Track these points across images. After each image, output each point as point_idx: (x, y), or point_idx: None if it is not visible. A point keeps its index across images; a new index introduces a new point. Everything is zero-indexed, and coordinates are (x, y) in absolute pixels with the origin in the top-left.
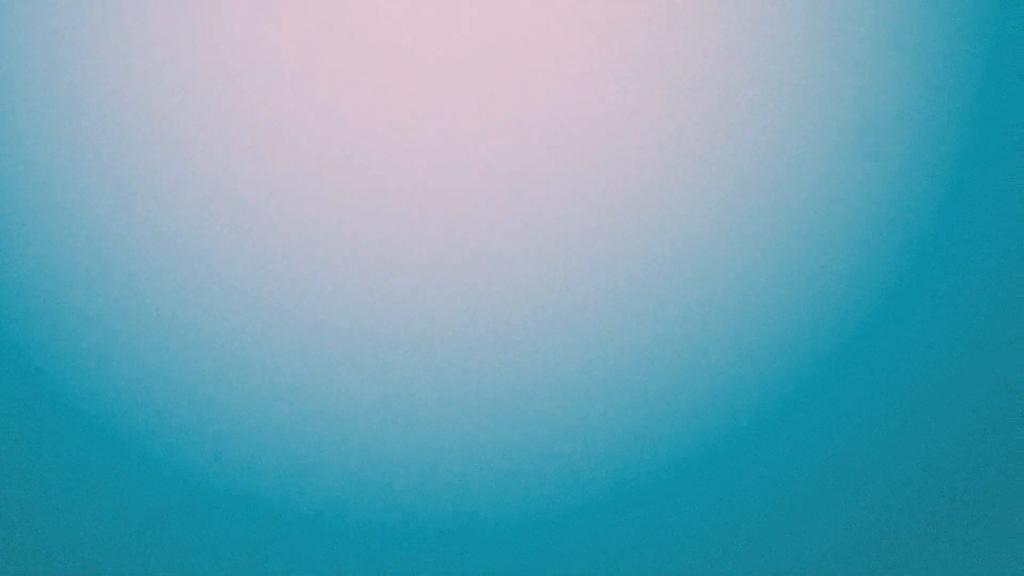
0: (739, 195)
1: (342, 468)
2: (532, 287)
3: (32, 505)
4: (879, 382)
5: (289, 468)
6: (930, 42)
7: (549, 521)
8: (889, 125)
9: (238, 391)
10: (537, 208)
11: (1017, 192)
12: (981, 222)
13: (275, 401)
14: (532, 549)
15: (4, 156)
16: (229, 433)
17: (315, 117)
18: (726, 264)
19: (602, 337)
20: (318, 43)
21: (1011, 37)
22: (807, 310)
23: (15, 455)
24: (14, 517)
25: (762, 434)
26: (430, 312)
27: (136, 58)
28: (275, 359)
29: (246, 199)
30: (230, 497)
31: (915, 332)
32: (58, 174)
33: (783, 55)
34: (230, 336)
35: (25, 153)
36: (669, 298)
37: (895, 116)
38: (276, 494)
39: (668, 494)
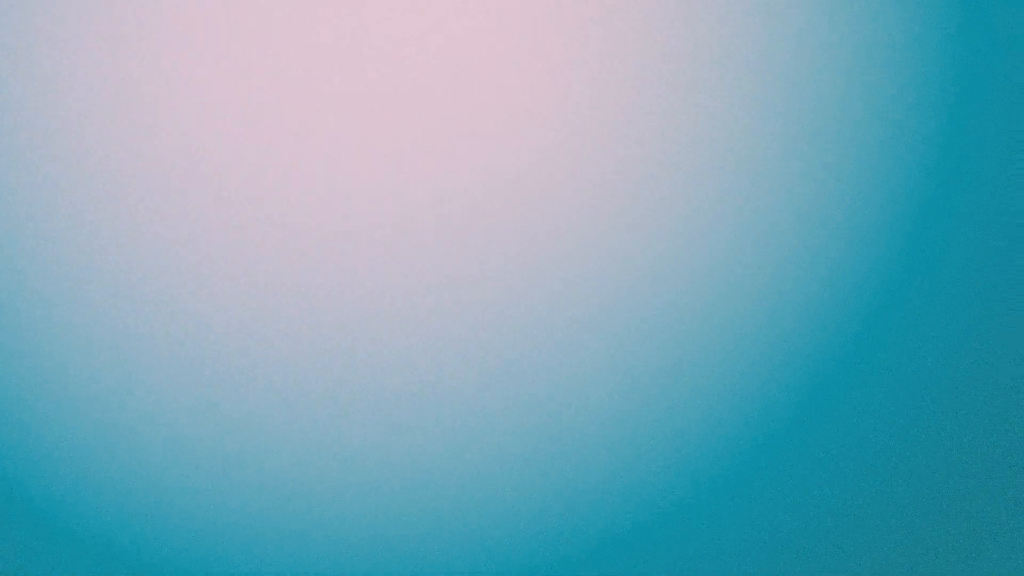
0: (739, 200)
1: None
2: (526, 307)
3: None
4: (883, 388)
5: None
6: (928, 42)
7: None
8: (888, 126)
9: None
10: (531, 225)
11: (1016, 191)
12: (982, 221)
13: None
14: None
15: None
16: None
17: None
18: (729, 271)
19: (599, 353)
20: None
21: (1009, 38)
22: (806, 321)
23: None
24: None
25: (766, 452)
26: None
27: (131, 59)
28: (271, 370)
29: (239, 207)
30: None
31: (917, 333)
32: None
33: (780, 58)
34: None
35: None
36: (665, 307)
37: (895, 117)
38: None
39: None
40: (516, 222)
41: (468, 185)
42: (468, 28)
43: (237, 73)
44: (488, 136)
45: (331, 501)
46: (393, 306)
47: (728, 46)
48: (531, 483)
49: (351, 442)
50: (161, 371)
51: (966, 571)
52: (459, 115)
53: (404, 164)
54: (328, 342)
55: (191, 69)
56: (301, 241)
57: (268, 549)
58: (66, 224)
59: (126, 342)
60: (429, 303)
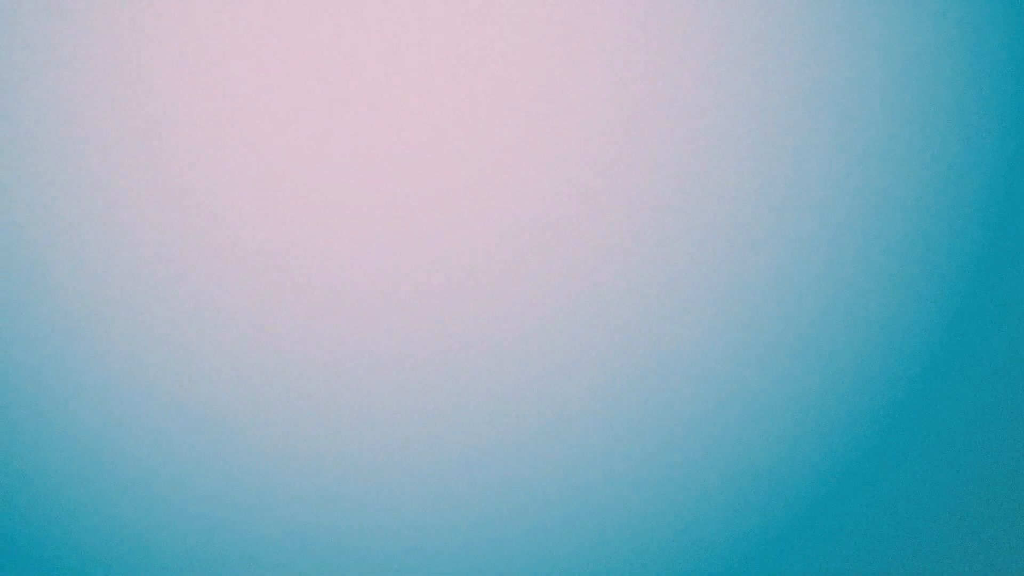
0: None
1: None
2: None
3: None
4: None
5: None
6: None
7: None
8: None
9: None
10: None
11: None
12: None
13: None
14: None
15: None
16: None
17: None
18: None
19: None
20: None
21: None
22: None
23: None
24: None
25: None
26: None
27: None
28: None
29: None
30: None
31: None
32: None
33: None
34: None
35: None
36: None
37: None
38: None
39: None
40: (519, 226)
41: (470, 188)
42: (470, 30)
43: (239, 79)
44: (491, 139)
45: (334, 507)
46: (397, 309)
47: (755, 52)
48: (538, 486)
49: (353, 447)
50: (160, 373)
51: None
52: (460, 120)
53: (411, 174)
54: (329, 347)
55: (192, 74)
56: (301, 244)
57: (268, 555)
58: (67, 226)
59: (130, 344)
60: (434, 307)
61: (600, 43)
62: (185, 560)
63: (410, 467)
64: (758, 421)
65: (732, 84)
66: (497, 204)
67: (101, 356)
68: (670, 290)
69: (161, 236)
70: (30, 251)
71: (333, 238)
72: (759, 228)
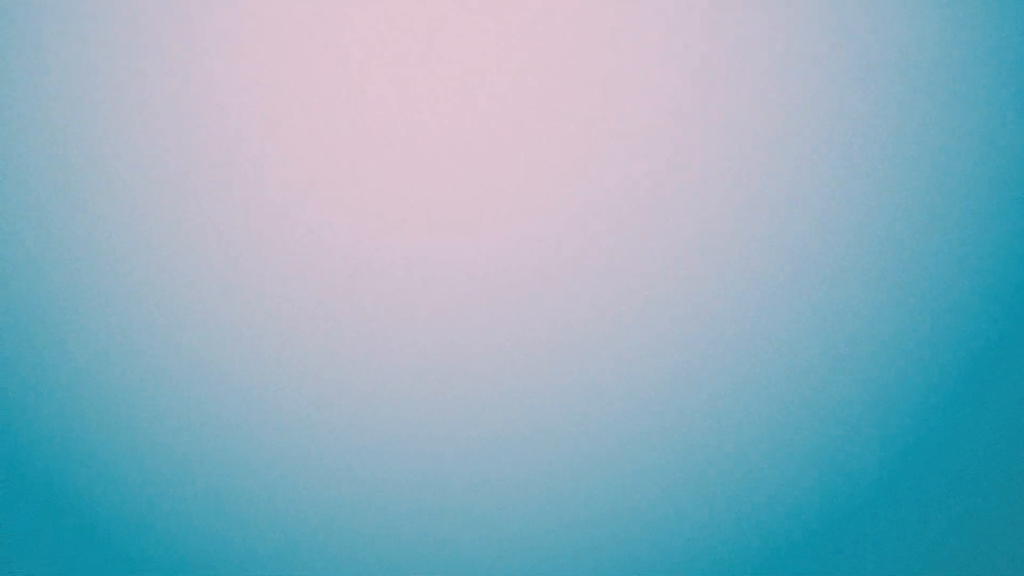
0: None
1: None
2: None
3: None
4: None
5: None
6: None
7: None
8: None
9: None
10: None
11: None
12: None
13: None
14: None
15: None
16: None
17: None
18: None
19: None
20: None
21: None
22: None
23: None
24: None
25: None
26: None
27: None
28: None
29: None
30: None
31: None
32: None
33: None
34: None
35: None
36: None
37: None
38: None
39: None
40: (523, 224)
41: (474, 187)
42: (477, 32)
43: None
44: (499, 141)
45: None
46: (407, 309)
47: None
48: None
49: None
50: (166, 374)
51: None
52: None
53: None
54: (335, 343)
55: (197, 75)
56: (307, 246)
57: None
58: (70, 225)
59: (141, 347)
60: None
61: (627, 42)
62: (184, 559)
63: (419, 466)
64: (762, 423)
65: (739, 87)
66: (503, 202)
67: (103, 354)
68: (675, 289)
69: (162, 233)
70: (30, 248)
71: (343, 236)
72: (766, 231)
